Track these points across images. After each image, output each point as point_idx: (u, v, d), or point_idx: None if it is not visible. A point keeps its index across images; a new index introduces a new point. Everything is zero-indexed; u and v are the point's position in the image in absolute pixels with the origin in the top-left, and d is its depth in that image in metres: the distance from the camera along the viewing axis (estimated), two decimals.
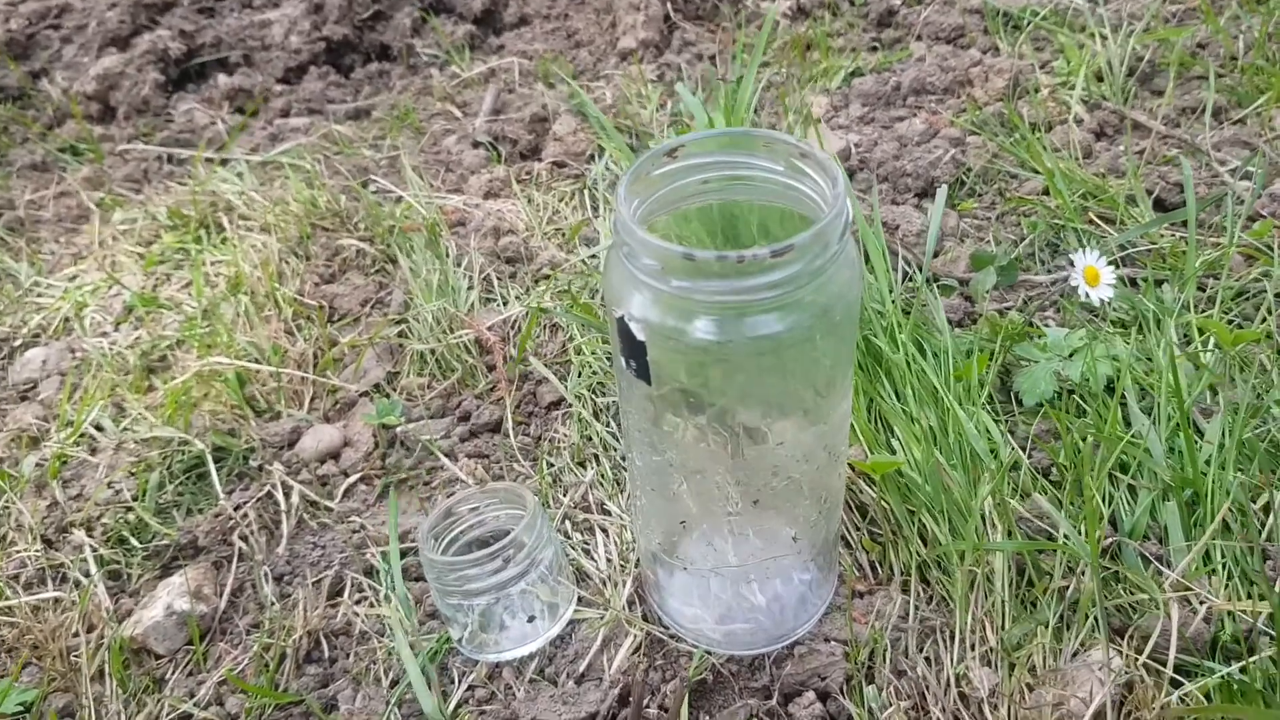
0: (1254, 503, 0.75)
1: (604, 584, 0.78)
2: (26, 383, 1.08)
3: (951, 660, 0.69)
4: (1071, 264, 0.87)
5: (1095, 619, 0.68)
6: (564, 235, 1.20)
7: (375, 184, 1.33)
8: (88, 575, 0.84)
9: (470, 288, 1.10)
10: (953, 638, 0.70)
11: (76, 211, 1.39)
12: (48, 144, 1.54)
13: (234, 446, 0.95)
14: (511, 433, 0.94)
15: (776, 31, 1.63)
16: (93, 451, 0.96)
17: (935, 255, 1.07)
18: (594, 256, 1.14)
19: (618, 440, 0.91)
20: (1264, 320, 0.92)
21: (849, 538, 0.78)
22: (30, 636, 0.79)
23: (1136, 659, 0.66)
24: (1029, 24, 1.50)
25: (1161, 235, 1.05)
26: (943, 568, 0.74)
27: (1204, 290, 0.98)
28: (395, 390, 1.01)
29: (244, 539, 0.87)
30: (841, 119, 1.37)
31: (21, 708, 0.75)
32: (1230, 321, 0.94)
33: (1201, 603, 0.68)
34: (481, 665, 0.74)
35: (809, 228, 0.49)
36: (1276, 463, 0.78)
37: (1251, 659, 0.64)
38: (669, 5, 1.68)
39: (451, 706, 0.71)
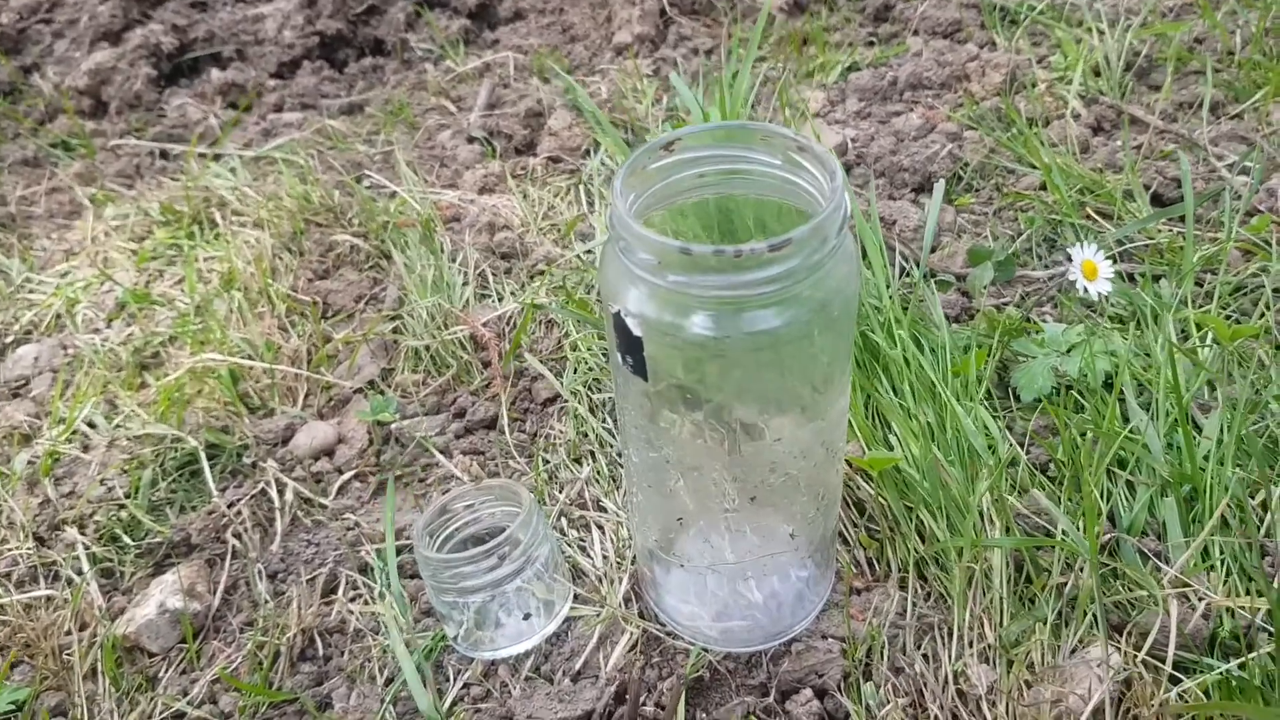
0: (1252, 498, 0.74)
1: (600, 581, 0.77)
2: (18, 380, 1.08)
3: (949, 657, 0.68)
4: (1069, 259, 0.86)
5: (1094, 615, 0.68)
6: (559, 230, 1.19)
7: (369, 179, 1.32)
8: (80, 573, 0.84)
9: (465, 284, 1.10)
10: (951, 634, 0.70)
11: (68, 207, 1.38)
12: (39, 139, 1.53)
13: (227, 443, 0.95)
14: (507, 429, 0.93)
15: (772, 26, 1.62)
16: (85, 449, 0.96)
17: (932, 250, 1.06)
18: (589, 252, 1.13)
19: (614, 436, 0.90)
20: (1262, 315, 0.92)
21: (846, 534, 0.78)
22: (22, 635, 0.79)
23: (1135, 655, 0.66)
24: (1026, 18, 1.50)
25: (1159, 230, 1.05)
26: (940, 564, 0.74)
27: (1202, 285, 0.98)
28: (390, 387, 1.01)
29: (237, 536, 0.86)
30: (838, 114, 1.36)
31: (13, 706, 0.74)
32: (1228, 317, 0.93)
33: (1200, 599, 0.68)
34: (477, 663, 0.73)
35: (806, 222, 0.49)
36: (1275, 458, 0.77)
37: (1250, 655, 0.64)
38: (664, 0, 1.68)
39: (447, 704, 0.71)
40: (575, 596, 0.77)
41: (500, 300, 1.08)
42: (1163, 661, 0.65)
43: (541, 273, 1.11)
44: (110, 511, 0.89)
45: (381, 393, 1.00)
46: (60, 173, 1.44)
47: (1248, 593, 0.69)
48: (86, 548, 0.86)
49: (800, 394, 0.58)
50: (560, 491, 0.86)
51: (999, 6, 1.54)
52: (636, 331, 0.52)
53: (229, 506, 0.88)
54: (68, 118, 1.56)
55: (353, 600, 0.80)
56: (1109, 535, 0.74)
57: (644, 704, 0.68)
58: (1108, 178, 1.13)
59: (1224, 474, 0.74)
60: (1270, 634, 0.66)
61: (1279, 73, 1.26)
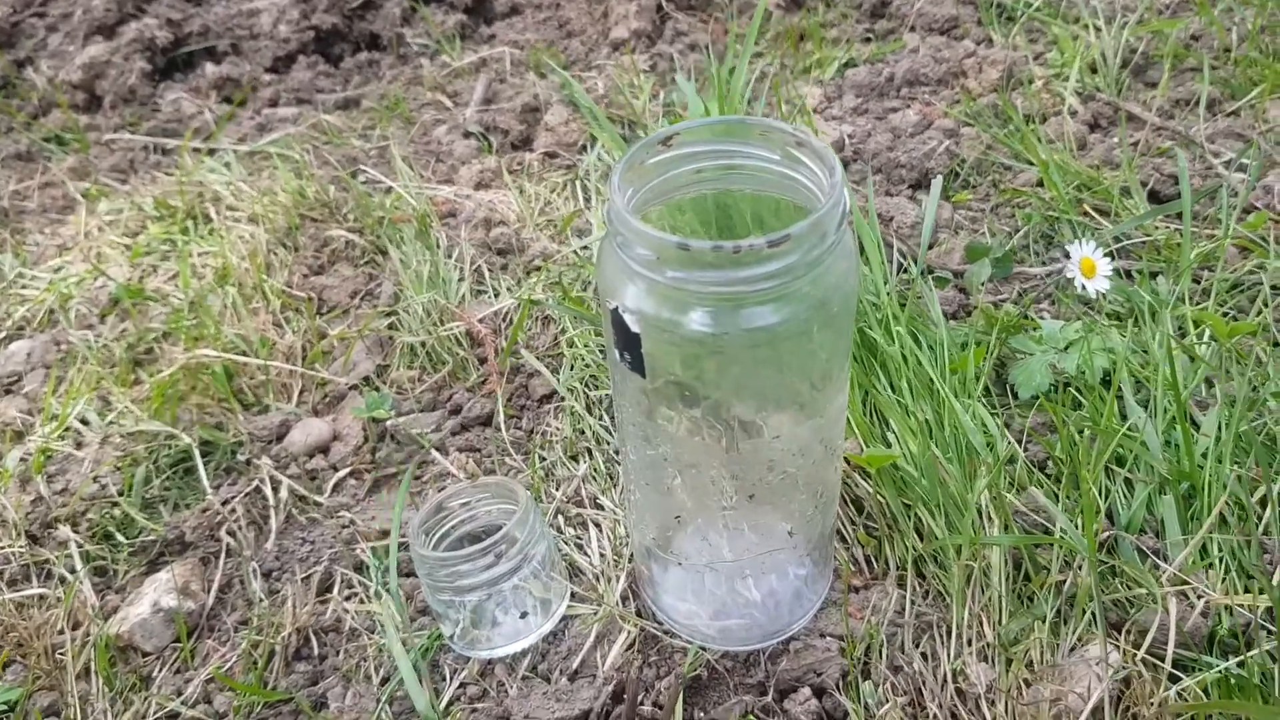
0: (1251, 496, 0.74)
1: (597, 580, 0.77)
2: (10, 376, 1.07)
3: (948, 656, 0.68)
4: (1067, 256, 0.86)
5: (1093, 614, 0.68)
6: (556, 226, 1.18)
7: (365, 174, 1.31)
8: (73, 571, 0.83)
9: (461, 279, 1.09)
10: (949, 633, 0.69)
11: (62, 202, 1.37)
12: (33, 133, 1.52)
13: (221, 440, 0.94)
14: (503, 426, 0.93)
15: (770, 22, 1.62)
16: (78, 446, 0.95)
17: (930, 247, 1.06)
18: (586, 248, 1.13)
19: (611, 434, 0.90)
20: (1259, 312, 0.92)
21: (845, 532, 0.78)
22: (14, 634, 0.78)
23: (1134, 654, 0.66)
24: (1023, 15, 1.49)
25: (1156, 227, 1.05)
26: (939, 562, 0.74)
27: (1199, 282, 0.98)
28: (385, 383, 1.00)
29: (232, 534, 0.86)
30: (835, 110, 1.36)
31: (5, 706, 0.74)
32: (1225, 314, 0.93)
33: (1199, 597, 0.68)
34: (473, 662, 0.73)
35: (805, 218, 0.48)
36: (1273, 455, 0.77)
37: (1250, 653, 0.64)
38: None
39: (444, 704, 0.71)
40: (572, 595, 0.76)
41: (496, 296, 1.08)
42: (1162, 660, 0.65)
43: (538, 268, 1.11)
44: (103, 509, 0.88)
45: (377, 389, 0.99)
46: (54, 167, 1.43)
47: (1247, 590, 0.68)
48: (79, 546, 0.85)
49: (798, 391, 0.58)
50: (557, 489, 0.86)
51: (996, 3, 1.54)
52: (634, 328, 0.52)
53: (223, 504, 0.88)
54: (61, 112, 1.55)
55: (348, 599, 0.79)
56: (1107, 533, 0.73)
57: (642, 703, 0.68)
58: (1105, 174, 1.13)
59: (1222, 471, 0.74)
60: (1269, 632, 0.65)
61: (1275, 70, 1.26)
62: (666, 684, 0.68)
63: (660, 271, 0.49)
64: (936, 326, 0.90)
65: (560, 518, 0.83)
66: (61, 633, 0.78)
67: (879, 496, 0.78)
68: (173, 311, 1.11)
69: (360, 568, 0.82)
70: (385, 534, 0.83)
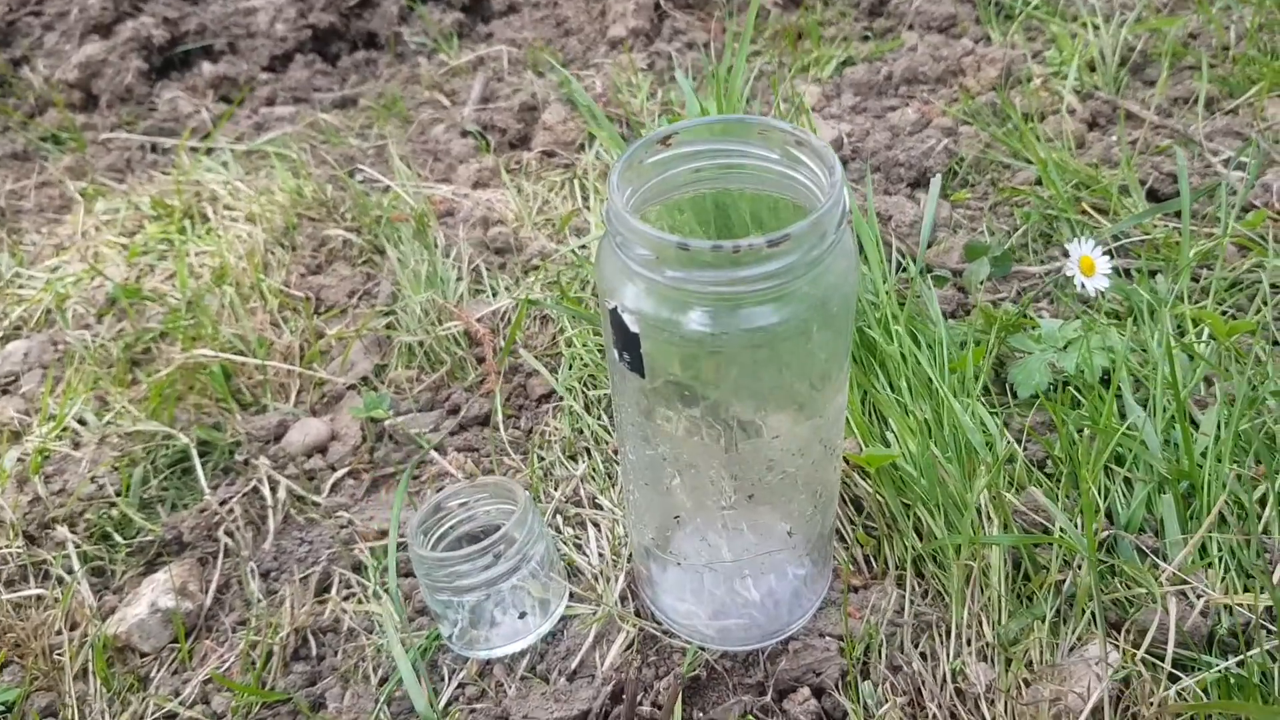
0: (1251, 495, 0.74)
1: (596, 579, 0.77)
2: (7, 376, 1.07)
3: (948, 655, 0.68)
4: (1066, 254, 0.86)
5: (1092, 613, 0.67)
6: (554, 225, 1.18)
7: (362, 173, 1.31)
8: (71, 572, 0.83)
9: (459, 279, 1.09)
10: (949, 633, 0.69)
11: (58, 201, 1.37)
12: (29, 133, 1.52)
13: (219, 440, 0.94)
14: (502, 426, 0.92)
15: (768, 21, 1.61)
16: (75, 446, 0.95)
17: (929, 246, 1.06)
18: (585, 247, 1.13)
19: (610, 434, 0.90)
20: (1258, 311, 0.92)
21: (844, 532, 0.78)
22: (12, 635, 0.78)
23: (1134, 653, 0.65)
24: (1021, 13, 1.49)
25: (1155, 226, 1.05)
26: (938, 562, 0.74)
27: (1198, 281, 0.98)
28: (383, 383, 1.00)
29: (229, 534, 0.85)
30: (833, 108, 1.36)
31: (3, 707, 0.73)
32: (1224, 312, 0.93)
33: (1199, 596, 0.68)
34: (472, 662, 0.73)
35: (804, 218, 0.48)
36: (1273, 454, 0.77)
37: (1249, 653, 0.64)
38: None
39: (442, 704, 0.70)
40: (571, 595, 0.76)
41: (494, 296, 1.08)
42: (1161, 659, 0.65)
43: (536, 268, 1.11)
44: (101, 509, 0.88)
45: (375, 389, 0.99)
46: (50, 166, 1.43)
47: (1246, 590, 0.68)
48: (77, 546, 0.85)
49: (798, 391, 0.57)
50: (556, 489, 0.86)
51: (994, 1, 1.54)
52: (633, 328, 0.52)
53: (221, 504, 0.88)
54: (58, 111, 1.54)
55: (346, 599, 0.79)
56: (1107, 532, 0.73)
57: (641, 703, 0.68)
58: (1103, 173, 1.13)
59: (1222, 470, 0.74)
60: (1269, 631, 0.65)
61: (1274, 68, 1.26)
62: (665, 684, 0.68)
63: (659, 271, 0.49)
64: (935, 325, 0.90)
65: (559, 518, 0.83)
66: (59, 633, 0.78)
67: (878, 496, 0.77)
68: (170, 311, 1.11)
69: (358, 568, 0.81)
70: (383, 534, 0.83)
